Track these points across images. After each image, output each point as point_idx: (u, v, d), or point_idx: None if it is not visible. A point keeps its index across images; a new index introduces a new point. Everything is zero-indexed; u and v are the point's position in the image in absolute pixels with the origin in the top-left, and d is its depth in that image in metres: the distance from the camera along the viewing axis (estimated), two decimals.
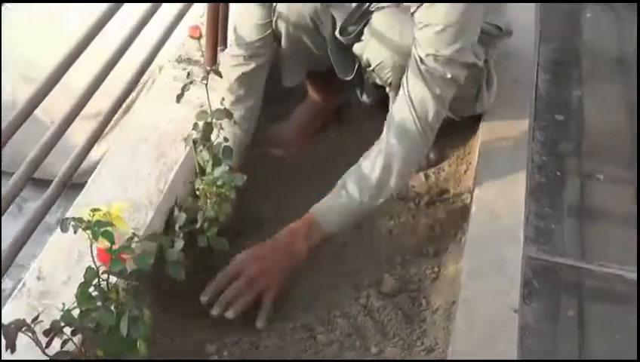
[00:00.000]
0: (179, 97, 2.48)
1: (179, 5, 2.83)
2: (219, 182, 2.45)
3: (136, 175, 2.57)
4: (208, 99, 2.49)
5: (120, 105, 2.51)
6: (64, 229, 1.76)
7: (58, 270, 2.23)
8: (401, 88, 2.53)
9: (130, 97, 2.78)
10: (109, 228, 1.74)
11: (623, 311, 2.66)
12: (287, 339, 2.37)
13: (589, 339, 2.57)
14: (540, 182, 3.10)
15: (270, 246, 2.52)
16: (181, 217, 2.49)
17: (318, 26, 2.77)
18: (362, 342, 2.39)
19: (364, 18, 2.68)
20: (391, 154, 2.53)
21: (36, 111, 2.01)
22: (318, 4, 2.73)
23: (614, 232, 2.95)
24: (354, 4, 2.67)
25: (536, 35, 3.60)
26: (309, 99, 3.17)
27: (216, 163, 2.50)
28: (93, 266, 1.79)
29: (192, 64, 3.01)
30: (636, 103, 3.48)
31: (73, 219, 1.76)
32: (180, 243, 2.38)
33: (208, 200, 2.47)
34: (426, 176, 2.97)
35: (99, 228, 1.73)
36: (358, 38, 2.70)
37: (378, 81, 2.75)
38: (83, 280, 1.80)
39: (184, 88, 2.48)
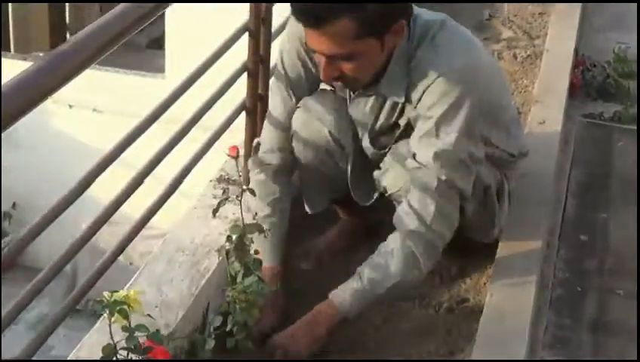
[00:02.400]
0: (214, 211, 2.76)
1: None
2: (249, 291, 2.68)
3: (170, 281, 2.80)
4: (242, 213, 2.74)
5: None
6: (90, 311, 1.99)
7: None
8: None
9: None
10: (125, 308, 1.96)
11: None
12: None
13: None
14: (560, 295, 3.24)
15: (297, 328, 2.80)
16: (217, 319, 2.71)
17: (336, 146, 2.99)
18: None
19: (393, 131, 2.91)
20: (405, 246, 2.75)
21: None
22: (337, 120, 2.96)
23: (628, 341, 3.07)
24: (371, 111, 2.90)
25: (563, 160, 3.81)
26: (341, 220, 3.38)
27: (247, 273, 2.72)
28: (111, 343, 2.01)
29: (230, 184, 3.27)
30: None
31: (95, 301, 1.99)
32: (211, 343, 2.61)
33: (237, 306, 2.69)
34: (447, 287, 3.14)
35: (115, 307, 1.96)
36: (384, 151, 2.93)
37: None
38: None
39: (220, 203, 2.74)
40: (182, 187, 2.86)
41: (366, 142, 2.98)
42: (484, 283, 3.13)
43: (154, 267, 2.85)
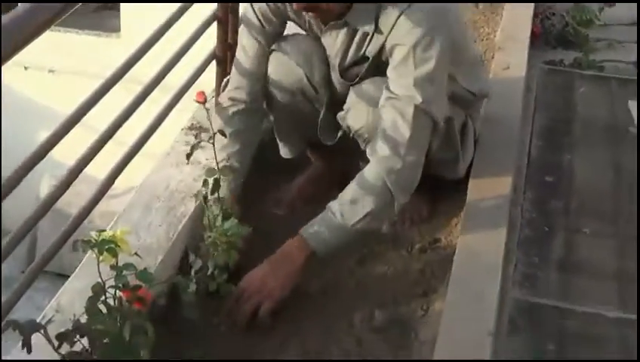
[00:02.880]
0: (188, 156, 2.77)
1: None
2: (229, 233, 2.71)
3: (148, 226, 2.83)
4: (216, 157, 2.77)
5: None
6: (75, 249, 2.02)
7: (75, 306, 2.47)
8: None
9: None
10: (113, 246, 1.99)
11: (602, 344, 2.86)
12: None
13: None
14: (528, 235, 3.31)
15: (267, 262, 2.78)
16: (197, 263, 2.74)
17: (311, 87, 3.04)
18: None
19: (361, 63, 2.93)
20: (377, 175, 2.77)
21: None
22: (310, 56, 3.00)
23: (596, 278, 3.15)
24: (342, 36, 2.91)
25: (526, 105, 3.88)
26: (313, 165, 3.42)
27: (226, 216, 2.76)
28: (100, 281, 2.04)
29: (202, 131, 3.29)
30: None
31: (82, 241, 2.01)
32: (193, 286, 2.64)
33: (219, 249, 2.72)
34: (419, 228, 3.19)
35: (103, 246, 1.98)
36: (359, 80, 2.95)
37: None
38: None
39: (193, 148, 2.76)
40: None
41: (336, 75, 3.02)
42: (455, 224, 3.19)
43: (131, 214, 2.87)
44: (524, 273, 3.11)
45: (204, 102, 2.79)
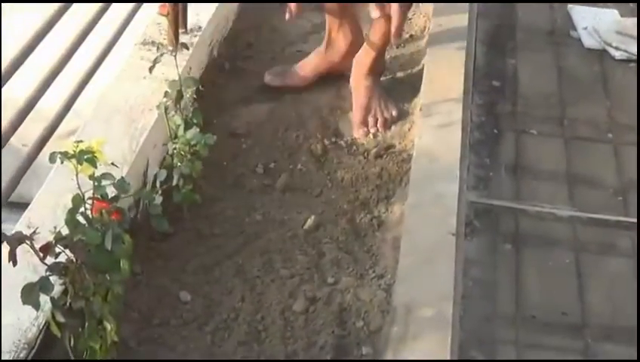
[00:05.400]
0: (151, 69, 2.79)
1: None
2: (193, 142, 2.74)
3: (110, 140, 2.84)
4: (177, 68, 2.80)
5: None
6: (52, 161, 2.04)
7: (46, 222, 2.49)
8: None
9: None
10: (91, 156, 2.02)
11: (555, 242, 2.97)
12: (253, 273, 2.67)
13: (524, 268, 2.86)
14: (479, 138, 3.40)
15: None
16: (162, 174, 2.77)
17: None
18: (320, 274, 2.68)
19: None
20: None
21: None
22: None
23: (546, 178, 3.25)
24: None
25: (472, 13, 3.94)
26: (323, 49, 3.54)
27: (188, 126, 2.78)
28: (79, 193, 2.07)
29: (155, 46, 3.29)
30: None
31: (60, 152, 2.03)
32: (159, 198, 2.66)
33: (184, 159, 2.75)
34: (374, 135, 3.26)
35: (82, 156, 2.01)
36: None
37: None
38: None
39: (156, 60, 2.78)
40: None
41: None
42: (409, 129, 3.25)
43: (91, 128, 2.88)
44: (477, 175, 3.20)
45: (167, 15, 2.81)
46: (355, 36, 3.46)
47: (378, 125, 3.27)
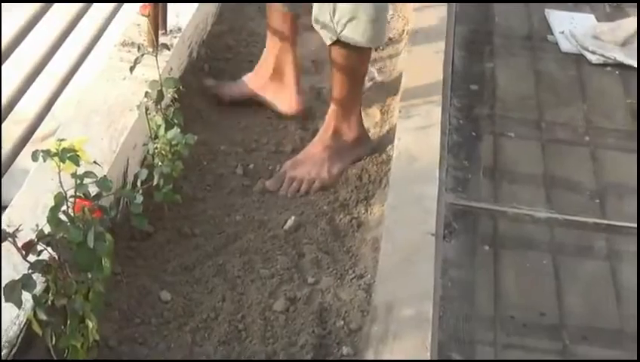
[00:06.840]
0: (132, 69, 2.79)
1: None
2: (174, 142, 2.75)
3: (90, 140, 2.83)
4: (158, 68, 2.80)
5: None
6: (35, 159, 2.04)
7: (27, 221, 2.49)
8: None
9: None
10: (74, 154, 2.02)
11: (532, 244, 2.99)
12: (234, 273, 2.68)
13: (502, 269, 2.87)
14: (457, 141, 3.41)
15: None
16: (143, 173, 2.76)
17: None
18: (300, 274, 2.69)
19: None
20: None
21: None
22: None
23: (524, 181, 3.27)
24: None
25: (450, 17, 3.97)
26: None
27: (169, 126, 2.79)
28: (62, 191, 2.07)
29: (135, 47, 3.29)
30: None
31: (42, 151, 2.04)
32: (140, 197, 2.66)
33: (165, 159, 2.76)
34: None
35: (65, 154, 2.01)
36: None
37: None
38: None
39: (137, 60, 2.78)
40: None
41: None
42: (387, 131, 3.27)
43: (70, 129, 2.88)
44: (455, 177, 3.21)
45: (148, 15, 2.81)
46: (281, 64, 3.43)
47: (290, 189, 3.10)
